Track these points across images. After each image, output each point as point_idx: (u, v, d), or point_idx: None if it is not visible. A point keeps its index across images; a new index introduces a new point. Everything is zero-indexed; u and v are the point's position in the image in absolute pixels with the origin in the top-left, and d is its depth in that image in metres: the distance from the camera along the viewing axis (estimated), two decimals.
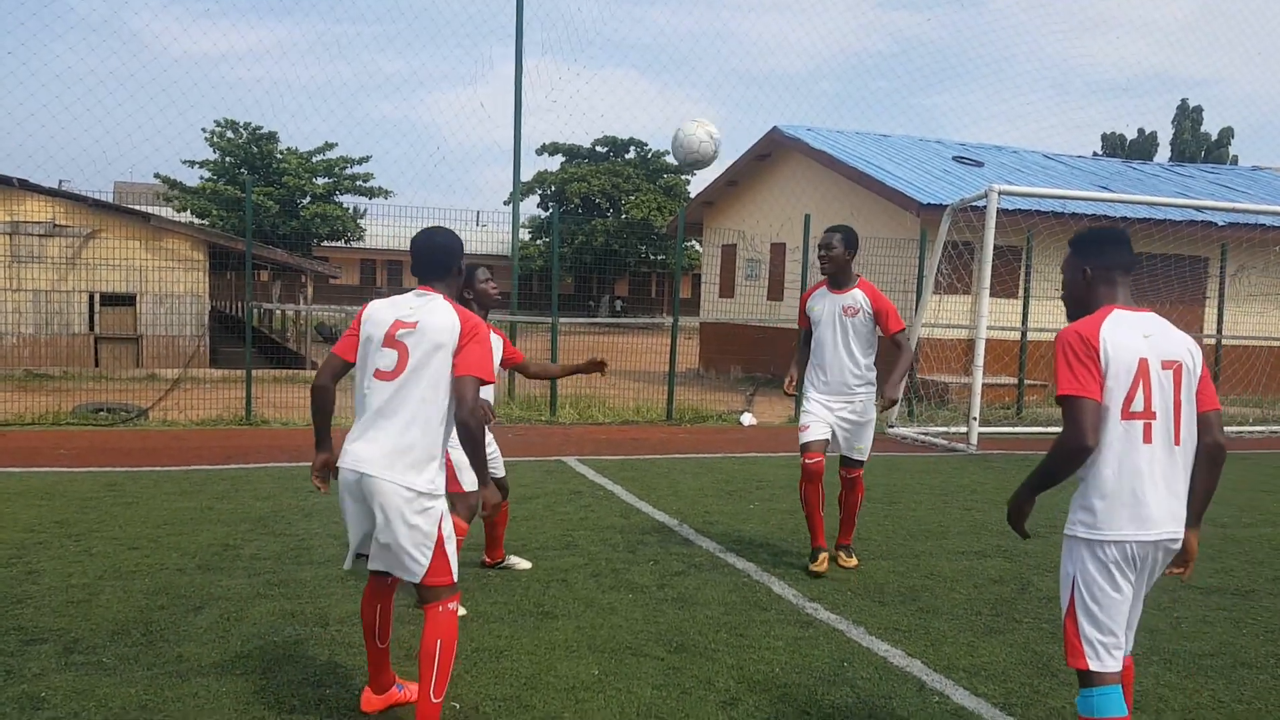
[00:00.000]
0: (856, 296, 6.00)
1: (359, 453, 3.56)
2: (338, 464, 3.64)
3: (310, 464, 3.83)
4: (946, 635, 4.97)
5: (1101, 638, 3.02)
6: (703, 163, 5.31)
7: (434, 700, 3.54)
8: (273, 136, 37.36)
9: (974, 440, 11.57)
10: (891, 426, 12.58)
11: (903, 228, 16.57)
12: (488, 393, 5.21)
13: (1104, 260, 3.15)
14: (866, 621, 5.16)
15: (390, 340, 3.56)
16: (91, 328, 17.88)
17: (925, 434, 12.43)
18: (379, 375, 3.56)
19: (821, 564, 6.01)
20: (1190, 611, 5.48)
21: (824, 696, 4.19)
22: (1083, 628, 3.04)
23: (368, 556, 3.69)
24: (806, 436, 6.04)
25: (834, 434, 6.04)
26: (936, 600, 5.56)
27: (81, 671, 4.17)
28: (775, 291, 20.08)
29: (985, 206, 11.67)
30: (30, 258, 17.32)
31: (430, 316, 3.57)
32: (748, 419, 13.82)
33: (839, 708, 4.08)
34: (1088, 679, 3.04)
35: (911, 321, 13.64)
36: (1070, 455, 2.96)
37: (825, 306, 6.06)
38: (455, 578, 3.64)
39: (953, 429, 12.73)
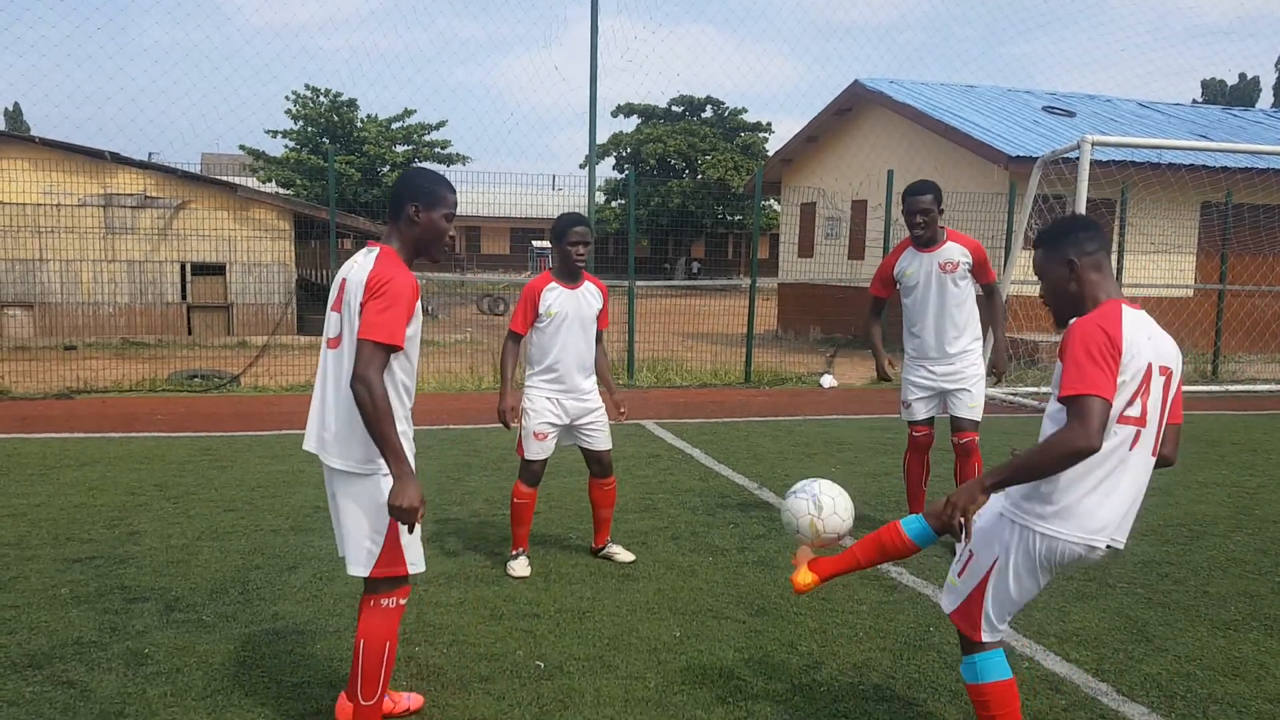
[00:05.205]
0: (953, 251, 5.48)
1: (312, 432, 3.31)
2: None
3: None
4: (1036, 600, 4.81)
5: (1005, 618, 3.03)
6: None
7: (364, 703, 3.20)
8: (353, 104, 37.94)
9: None
10: None
11: (990, 181, 16.11)
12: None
13: (1088, 247, 2.89)
14: None
15: (336, 303, 3.20)
16: (183, 297, 18.45)
17: (1014, 394, 12.13)
18: (329, 344, 3.24)
19: None
20: None
21: (909, 661, 4.13)
22: (989, 607, 3.00)
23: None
24: (911, 415, 5.74)
25: (944, 400, 5.68)
26: None
27: (182, 629, 4.33)
28: (856, 250, 19.74)
29: (1078, 158, 11.27)
30: (123, 229, 17.90)
31: (355, 272, 3.15)
32: (828, 381, 13.65)
33: (924, 673, 4.03)
34: (977, 646, 3.04)
35: (1000, 278, 13.27)
36: (1074, 455, 2.67)
37: (920, 268, 5.52)
38: (407, 569, 3.23)
39: (1043, 389, 12.40)
